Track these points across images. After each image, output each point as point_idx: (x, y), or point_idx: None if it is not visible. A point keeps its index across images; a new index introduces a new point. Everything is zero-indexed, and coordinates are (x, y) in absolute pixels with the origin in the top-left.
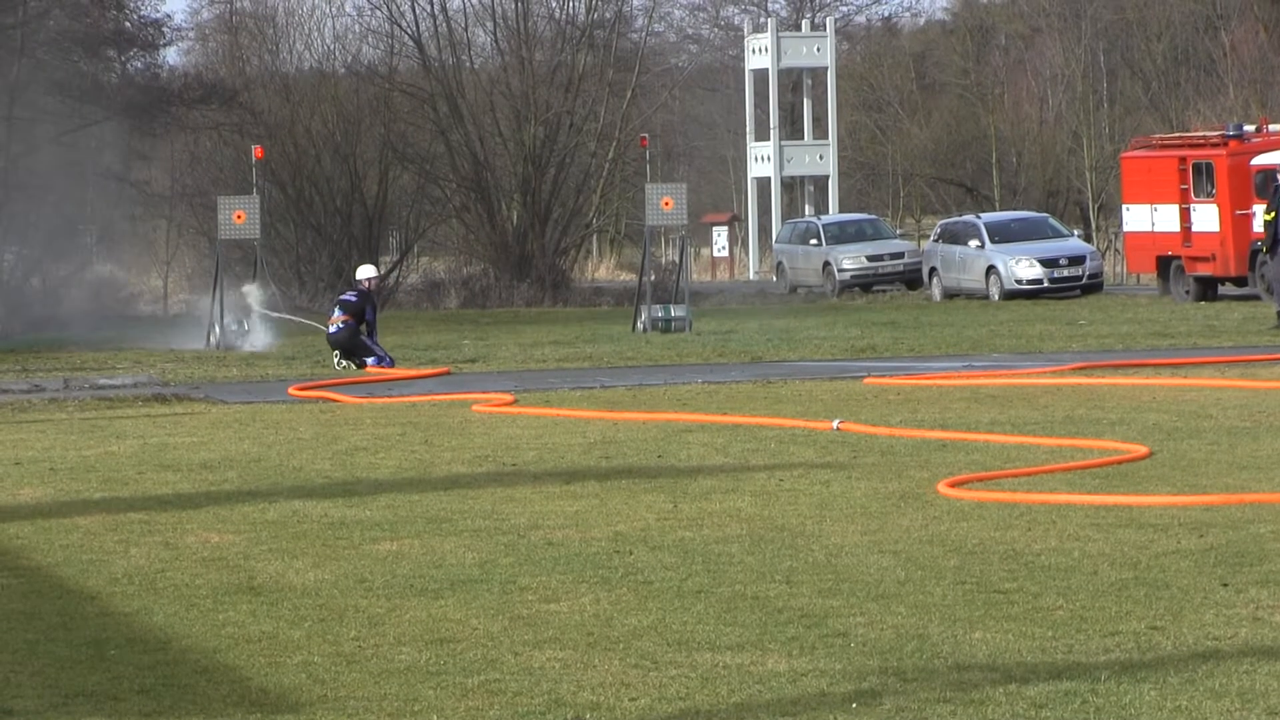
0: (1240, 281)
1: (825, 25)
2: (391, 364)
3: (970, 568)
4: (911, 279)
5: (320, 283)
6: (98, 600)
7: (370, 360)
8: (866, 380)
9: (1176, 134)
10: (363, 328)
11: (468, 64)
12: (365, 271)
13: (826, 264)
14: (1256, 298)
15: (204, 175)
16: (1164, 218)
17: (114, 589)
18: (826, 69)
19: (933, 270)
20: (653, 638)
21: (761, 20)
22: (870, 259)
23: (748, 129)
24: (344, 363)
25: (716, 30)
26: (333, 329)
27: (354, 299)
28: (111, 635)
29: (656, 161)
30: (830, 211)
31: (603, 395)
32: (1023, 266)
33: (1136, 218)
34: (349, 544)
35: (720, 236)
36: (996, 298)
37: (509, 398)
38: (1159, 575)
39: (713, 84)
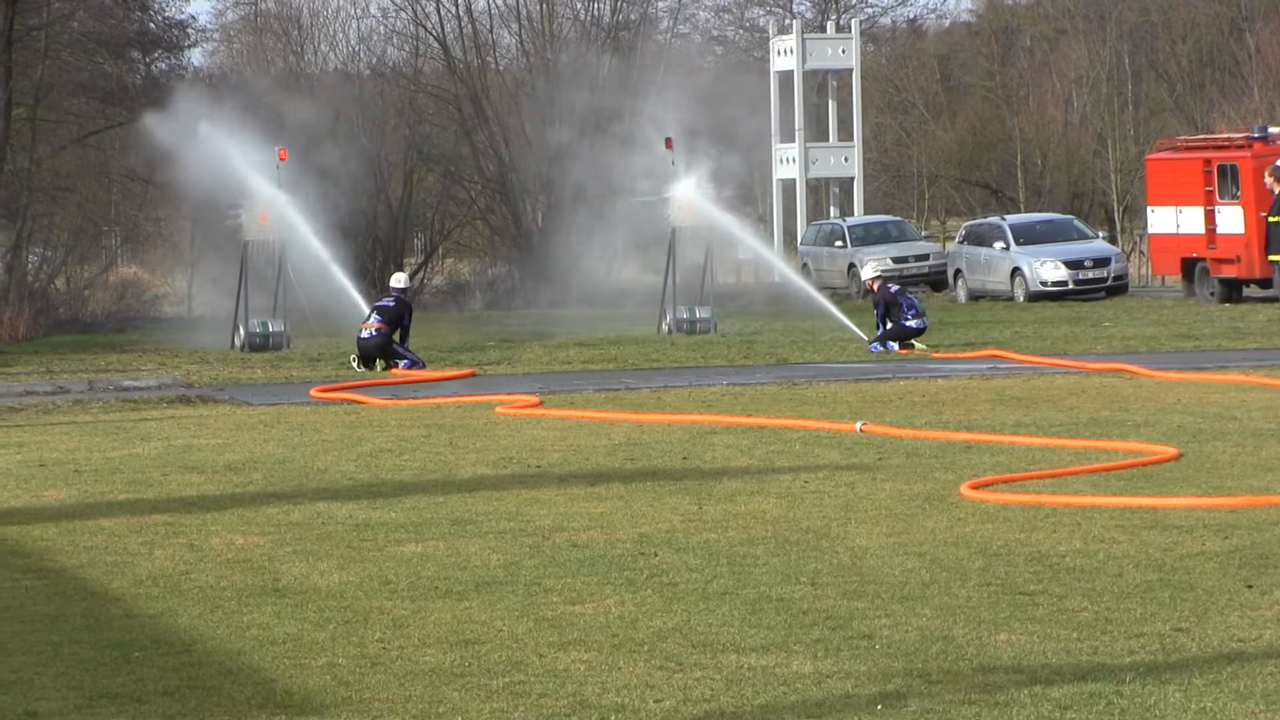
0: (1265, 283)
1: (850, 27)
2: (423, 366)
3: (995, 569)
4: (937, 281)
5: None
6: (122, 602)
7: (401, 364)
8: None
9: (1201, 136)
10: (396, 334)
11: (492, 65)
12: (400, 280)
13: (851, 266)
14: None
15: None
16: (1189, 220)
17: (138, 591)
18: (851, 71)
19: (958, 272)
20: (678, 640)
21: (786, 22)
22: (895, 261)
23: (773, 131)
24: (361, 367)
25: (741, 32)
26: (365, 334)
27: (391, 305)
28: (136, 637)
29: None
30: (855, 213)
31: (628, 397)
32: (1048, 268)
33: (1161, 220)
34: (373, 546)
35: None
36: (1021, 299)
37: (534, 399)
38: (1184, 577)
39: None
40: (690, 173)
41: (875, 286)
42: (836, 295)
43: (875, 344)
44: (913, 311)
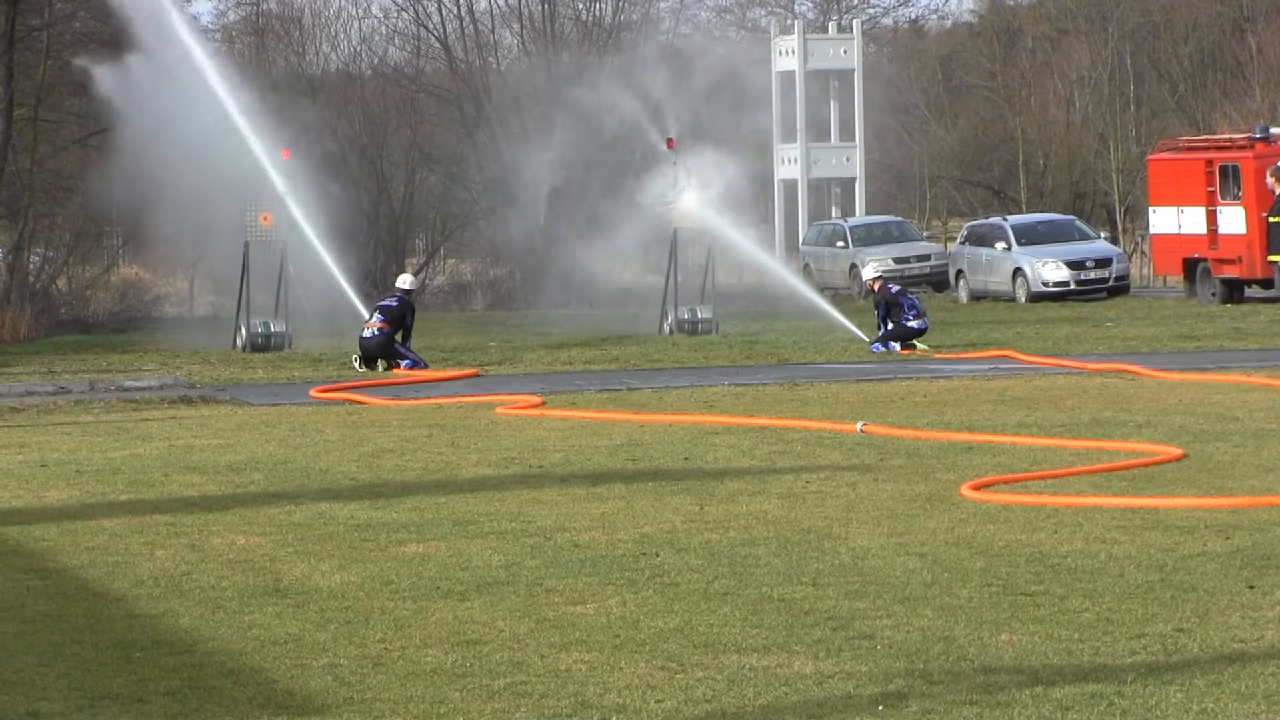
0: (1266, 284)
1: (852, 28)
2: (425, 366)
3: (996, 570)
4: (938, 281)
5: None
6: (124, 602)
7: (404, 364)
8: None
9: (1203, 136)
10: (398, 335)
11: (494, 65)
12: (407, 281)
13: (853, 266)
14: None
15: None
16: (1190, 220)
17: (140, 591)
18: (853, 71)
19: (959, 272)
20: (679, 640)
21: (788, 22)
22: (897, 261)
23: (774, 131)
24: (363, 367)
25: (743, 32)
26: (367, 334)
27: (394, 304)
28: (137, 637)
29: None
30: (857, 214)
31: (629, 397)
32: (1049, 269)
33: (1163, 220)
34: (375, 546)
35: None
36: (1023, 300)
37: (536, 399)
38: (1185, 577)
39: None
40: (693, 177)
41: (876, 287)
42: (838, 296)
43: (877, 344)
44: (914, 312)
